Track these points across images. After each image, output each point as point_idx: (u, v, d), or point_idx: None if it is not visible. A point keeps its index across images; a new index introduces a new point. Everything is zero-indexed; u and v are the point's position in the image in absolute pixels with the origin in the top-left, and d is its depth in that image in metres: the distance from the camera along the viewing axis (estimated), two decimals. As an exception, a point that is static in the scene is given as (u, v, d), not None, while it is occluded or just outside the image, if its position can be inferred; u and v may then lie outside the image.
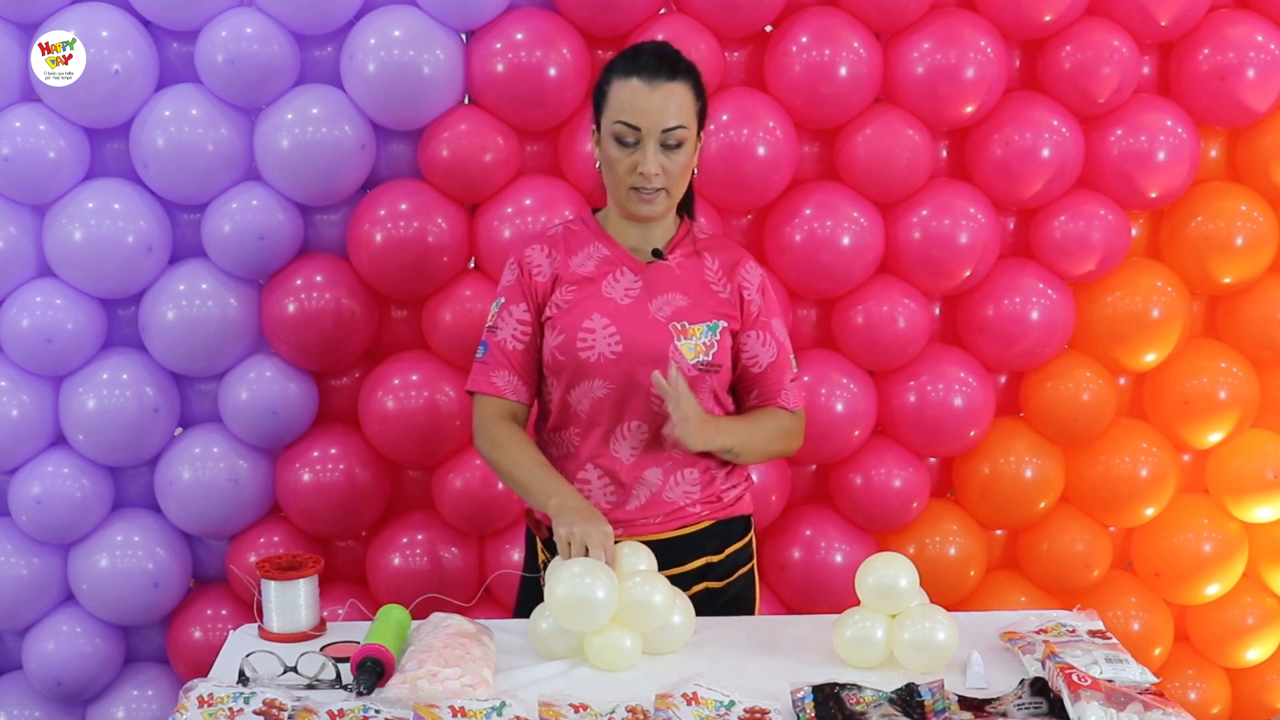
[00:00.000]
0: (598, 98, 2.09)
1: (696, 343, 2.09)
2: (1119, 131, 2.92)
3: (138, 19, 2.78)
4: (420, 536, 2.92)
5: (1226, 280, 3.01)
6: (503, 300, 2.15)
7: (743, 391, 2.21)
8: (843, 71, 2.82)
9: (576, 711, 1.64)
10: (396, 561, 2.90)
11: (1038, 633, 1.90)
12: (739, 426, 2.14)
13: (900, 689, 1.69)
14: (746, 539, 2.23)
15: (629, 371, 2.07)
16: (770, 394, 2.19)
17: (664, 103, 2.01)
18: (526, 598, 2.19)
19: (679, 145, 2.04)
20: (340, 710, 1.65)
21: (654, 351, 2.06)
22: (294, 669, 1.78)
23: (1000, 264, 2.98)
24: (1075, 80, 2.88)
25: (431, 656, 1.74)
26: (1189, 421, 3.04)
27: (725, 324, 2.13)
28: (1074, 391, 2.99)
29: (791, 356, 2.22)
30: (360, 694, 1.71)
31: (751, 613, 2.24)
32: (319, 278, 2.83)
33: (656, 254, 2.13)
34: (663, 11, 2.86)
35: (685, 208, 2.19)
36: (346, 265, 2.87)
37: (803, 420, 2.24)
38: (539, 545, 2.20)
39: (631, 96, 2.02)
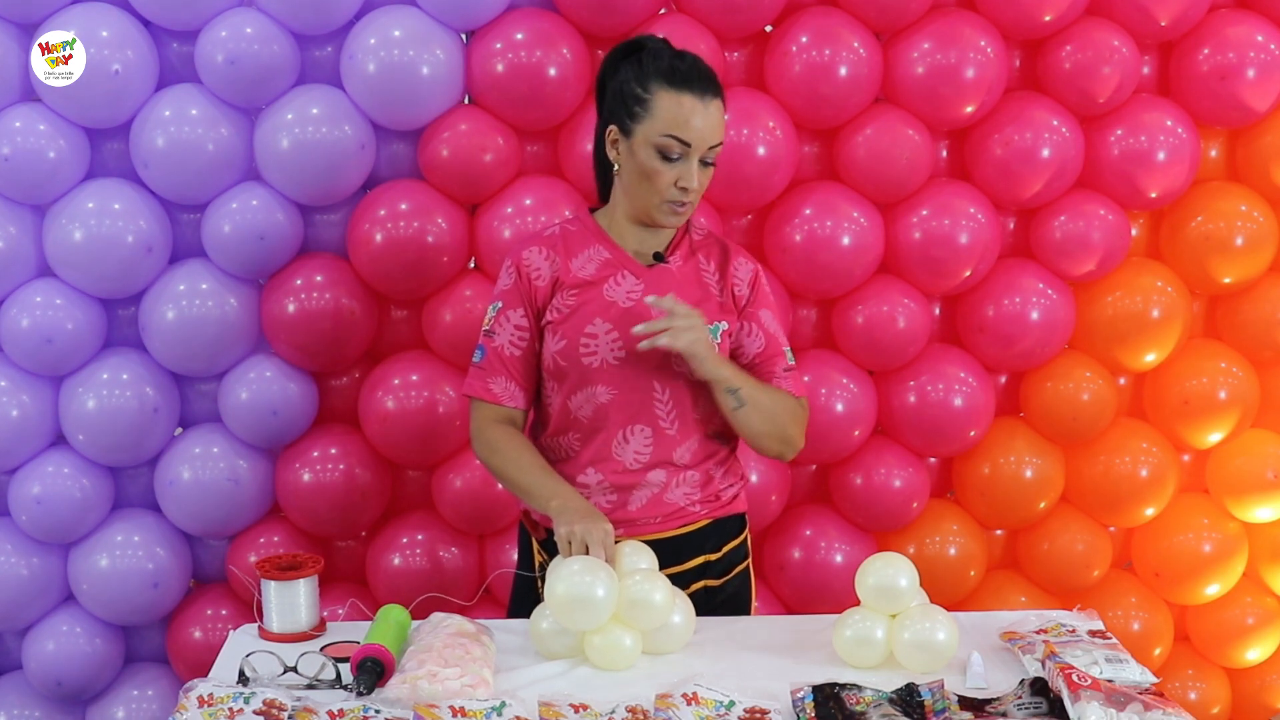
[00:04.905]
0: (630, 103, 2.03)
1: None
2: (1119, 131, 2.92)
3: (138, 19, 2.78)
4: (420, 536, 2.92)
5: (1226, 280, 3.01)
6: (500, 304, 2.14)
7: None
8: (843, 71, 2.82)
9: (576, 711, 1.64)
10: (396, 561, 2.90)
11: (1038, 633, 1.90)
12: (746, 375, 2.09)
13: (900, 689, 1.69)
14: (742, 537, 2.22)
15: (632, 376, 2.07)
16: (762, 380, 2.14)
17: (713, 121, 2.02)
18: (521, 597, 2.19)
19: (713, 160, 2.05)
20: (340, 710, 1.65)
21: (657, 356, 2.05)
22: (294, 669, 1.78)
23: (1000, 264, 2.98)
24: (1075, 80, 2.88)
25: (431, 656, 1.74)
26: (1189, 421, 3.04)
27: (725, 326, 2.12)
28: (1074, 391, 2.99)
29: (786, 349, 2.18)
30: (360, 694, 1.71)
31: (748, 610, 2.24)
32: (319, 278, 2.83)
33: (658, 257, 2.12)
34: (663, 11, 2.87)
35: None
36: (346, 265, 2.87)
37: (807, 411, 2.19)
38: (534, 546, 2.20)
39: (688, 113, 2.00)
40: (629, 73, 2.05)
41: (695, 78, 2.02)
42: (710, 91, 2.02)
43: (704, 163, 2.03)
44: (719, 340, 2.10)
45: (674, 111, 2.00)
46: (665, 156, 2.01)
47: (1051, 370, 3.02)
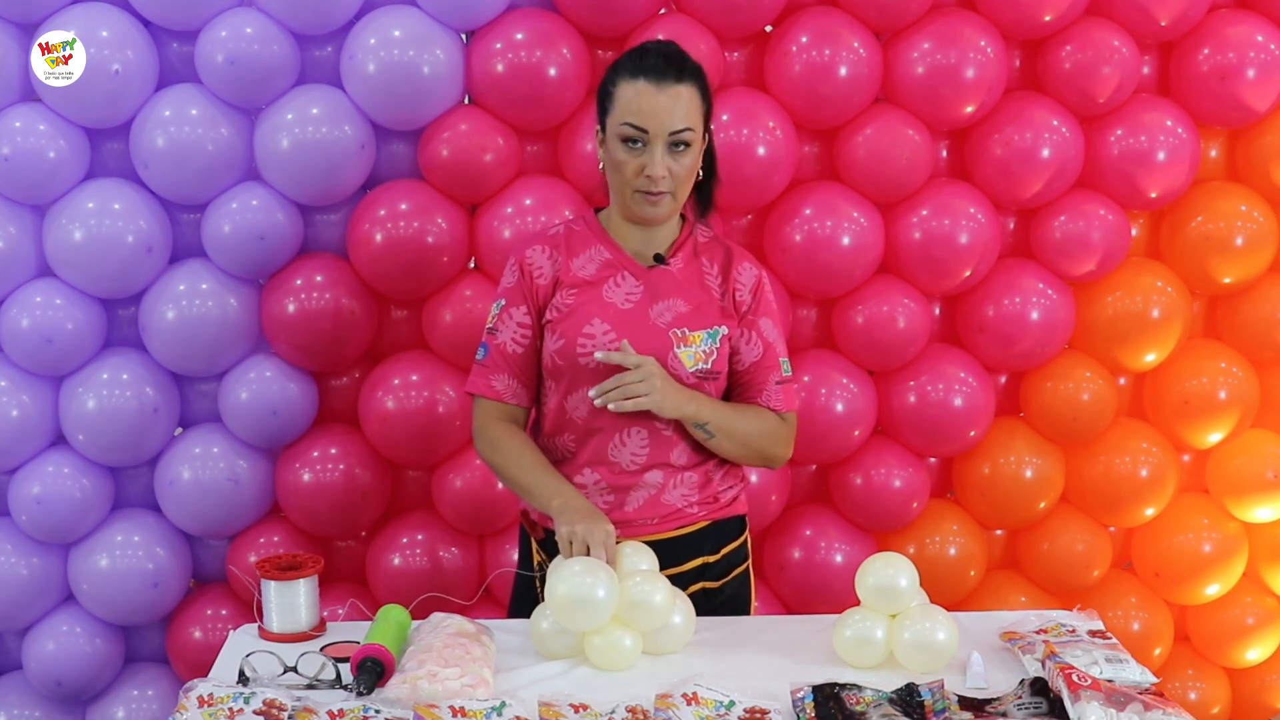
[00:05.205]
0: (603, 99, 2.07)
1: (696, 350, 2.08)
2: (1119, 131, 2.92)
3: (138, 19, 2.78)
4: (420, 536, 2.92)
5: (1226, 280, 3.01)
6: (503, 302, 2.14)
7: (728, 391, 2.18)
8: (843, 71, 2.82)
9: (576, 711, 1.64)
10: (396, 561, 2.90)
11: (1038, 633, 1.90)
12: (716, 405, 2.10)
13: (900, 689, 1.69)
14: (742, 539, 2.22)
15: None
16: (753, 392, 2.15)
17: (671, 105, 2.00)
18: (521, 597, 2.19)
19: (686, 147, 2.03)
20: (340, 710, 1.65)
21: (654, 359, 2.05)
22: (294, 669, 1.78)
23: (1000, 264, 2.98)
24: (1075, 80, 2.88)
25: (431, 656, 1.74)
26: (1189, 421, 3.04)
27: (725, 330, 2.12)
28: (1074, 391, 2.99)
29: (783, 360, 2.18)
30: (360, 694, 1.71)
31: (747, 612, 2.23)
32: (319, 278, 2.83)
33: (658, 259, 2.12)
34: (663, 11, 2.86)
35: (704, 208, 2.18)
36: (346, 265, 2.87)
37: (792, 427, 2.19)
38: (534, 546, 2.20)
39: (638, 98, 2.00)
40: (609, 73, 2.08)
41: (655, 65, 2.02)
42: (671, 77, 2.01)
43: (674, 149, 2.02)
44: (718, 345, 2.10)
45: (630, 99, 2.01)
46: (628, 144, 2.02)
47: (1051, 370, 3.02)
